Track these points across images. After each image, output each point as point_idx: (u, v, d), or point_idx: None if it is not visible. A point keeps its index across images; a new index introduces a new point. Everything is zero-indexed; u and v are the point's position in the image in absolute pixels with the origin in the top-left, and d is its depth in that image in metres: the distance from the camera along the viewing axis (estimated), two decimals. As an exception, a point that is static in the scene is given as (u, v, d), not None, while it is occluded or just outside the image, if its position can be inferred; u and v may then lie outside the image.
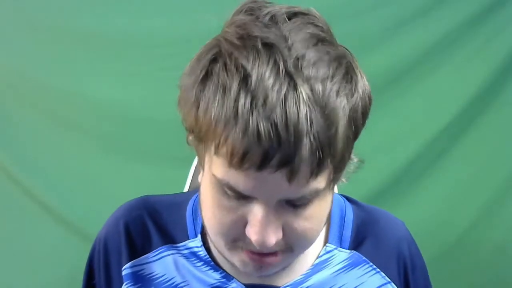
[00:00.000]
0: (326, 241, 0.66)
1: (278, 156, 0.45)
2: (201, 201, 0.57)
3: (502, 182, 1.54)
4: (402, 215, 0.76)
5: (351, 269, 0.65)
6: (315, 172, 0.47)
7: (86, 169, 1.57)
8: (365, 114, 0.52)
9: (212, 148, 0.49)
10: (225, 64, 0.48)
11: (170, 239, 0.67)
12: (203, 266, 0.64)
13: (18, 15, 1.56)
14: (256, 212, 0.50)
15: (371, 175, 1.50)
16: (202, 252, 0.65)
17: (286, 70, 0.46)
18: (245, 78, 0.46)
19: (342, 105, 0.47)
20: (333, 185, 0.55)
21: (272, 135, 0.44)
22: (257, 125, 0.44)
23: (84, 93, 1.55)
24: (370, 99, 0.52)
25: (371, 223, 0.68)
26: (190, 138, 0.56)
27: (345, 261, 0.65)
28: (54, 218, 1.54)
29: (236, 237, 0.53)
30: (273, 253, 0.54)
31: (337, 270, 0.64)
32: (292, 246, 0.54)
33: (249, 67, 0.46)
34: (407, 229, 0.71)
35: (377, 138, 1.52)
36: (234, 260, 0.56)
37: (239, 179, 0.48)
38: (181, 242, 0.66)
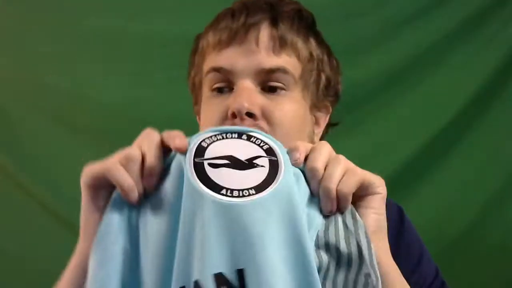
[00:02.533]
0: None
1: (246, 29, 0.69)
2: (200, 124, 0.78)
3: (502, 182, 1.54)
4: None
5: None
6: (277, 45, 0.69)
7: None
8: (332, 65, 0.77)
9: (204, 68, 0.72)
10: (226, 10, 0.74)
11: None
12: None
13: (19, 15, 1.56)
14: (235, 91, 0.68)
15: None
16: None
17: (267, 3, 0.71)
18: (232, 8, 0.72)
19: (300, 33, 0.72)
20: (304, 89, 0.72)
21: (240, 16, 0.69)
22: (232, 12, 0.71)
23: (84, 93, 1.55)
24: (337, 64, 0.78)
25: None
26: (195, 107, 0.79)
27: None
28: (55, 219, 1.54)
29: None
30: (253, 119, 0.67)
31: None
32: (269, 122, 0.68)
33: (239, 4, 0.73)
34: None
35: (377, 138, 1.52)
36: None
37: (220, 58, 0.70)
38: None
